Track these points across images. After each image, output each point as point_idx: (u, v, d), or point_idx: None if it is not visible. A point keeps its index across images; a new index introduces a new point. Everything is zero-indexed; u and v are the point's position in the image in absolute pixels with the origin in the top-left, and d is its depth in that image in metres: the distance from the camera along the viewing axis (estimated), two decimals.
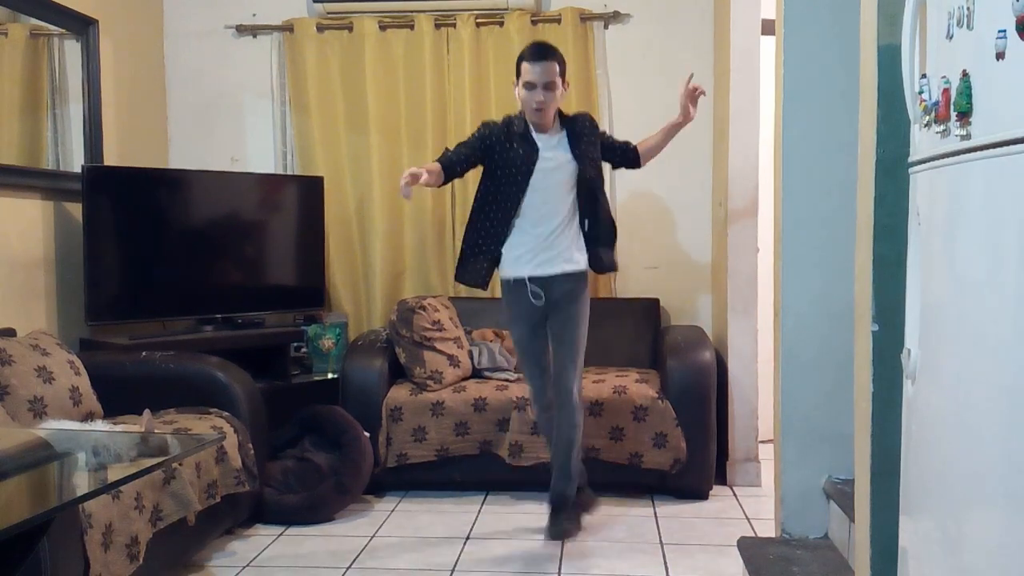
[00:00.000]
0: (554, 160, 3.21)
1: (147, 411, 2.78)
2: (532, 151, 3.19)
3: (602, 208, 3.33)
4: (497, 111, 4.33)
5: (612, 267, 3.41)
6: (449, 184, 4.37)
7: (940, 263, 1.52)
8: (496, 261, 3.29)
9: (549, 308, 3.27)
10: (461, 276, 3.36)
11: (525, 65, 3.14)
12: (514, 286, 3.27)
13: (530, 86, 3.13)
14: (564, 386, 3.28)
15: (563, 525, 3.30)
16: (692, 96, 3.29)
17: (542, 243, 3.22)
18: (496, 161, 3.23)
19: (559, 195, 3.22)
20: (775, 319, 2.89)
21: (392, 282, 4.49)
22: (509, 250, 3.26)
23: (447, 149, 3.33)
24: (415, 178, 2.98)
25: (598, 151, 3.32)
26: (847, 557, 2.54)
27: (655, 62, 4.43)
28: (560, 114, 3.28)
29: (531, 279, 3.23)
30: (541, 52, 3.15)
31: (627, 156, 3.43)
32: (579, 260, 3.28)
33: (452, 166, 3.22)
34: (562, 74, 3.18)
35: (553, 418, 3.32)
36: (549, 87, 3.13)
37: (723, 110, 4.11)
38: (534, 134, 3.22)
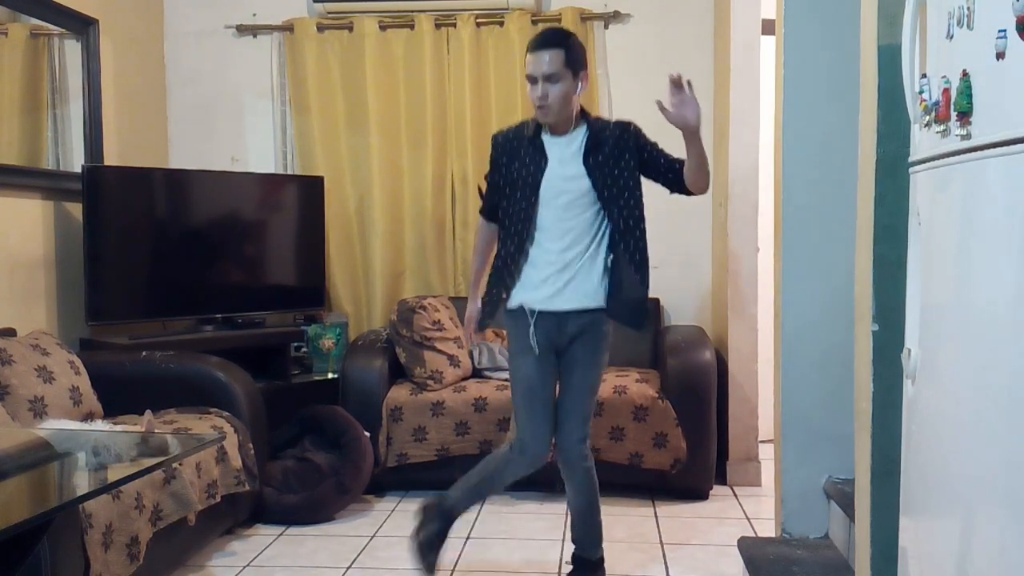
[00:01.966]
0: (565, 170, 2.67)
1: (148, 412, 2.78)
2: (539, 158, 2.68)
3: (626, 240, 2.67)
4: (497, 111, 4.34)
5: (636, 321, 2.73)
6: (449, 184, 4.43)
7: (940, 263, 1.52)
8: (502, 298, 2.78)
9: (561, 347, 2.73)
10: (487, 317, 2.85)
11: (527, 56, 2.63)
12: (519, 313, 2.73)
13: (531, 79, 2.62)
14: (568, 446, 2.75)
15: None
16: (676, 95, 2.56)
17: (560, 271, 2.67)
18: (506, 175, 2.75)
19: (577, 213, 2.66)
20: (775, 319, 2.89)
21: (392, 282, 4.49)
22: (523, 278, 2.73)
23: (480, 188, 2.97)
24: (471, 321, 2.86)
25: (632, 168, 2.69)
26: (847, 557, 2.54)
27: (655, 62, 4.42)
28: (586, 116, 2.73)
29: (541, 313, 2.69)
30: (541, 40, 2.62)
31: (676, 178, 2.70)
32: (599, 296, 2.69)
33: (492, 207, 2.83)
34: (571, 64, 2.60)
35: (520, 469, 2.77)
36: (551, 79, 2.58)
37: (723, 110, 4.11)
38: (545, 138, 2.70)
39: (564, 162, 2.68)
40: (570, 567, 2.92)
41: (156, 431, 2.73)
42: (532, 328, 2.69)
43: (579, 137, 2.70)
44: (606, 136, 2.70)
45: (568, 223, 2.67)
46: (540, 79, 2.60)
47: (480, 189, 2.98)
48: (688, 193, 2.73)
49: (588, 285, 2.69)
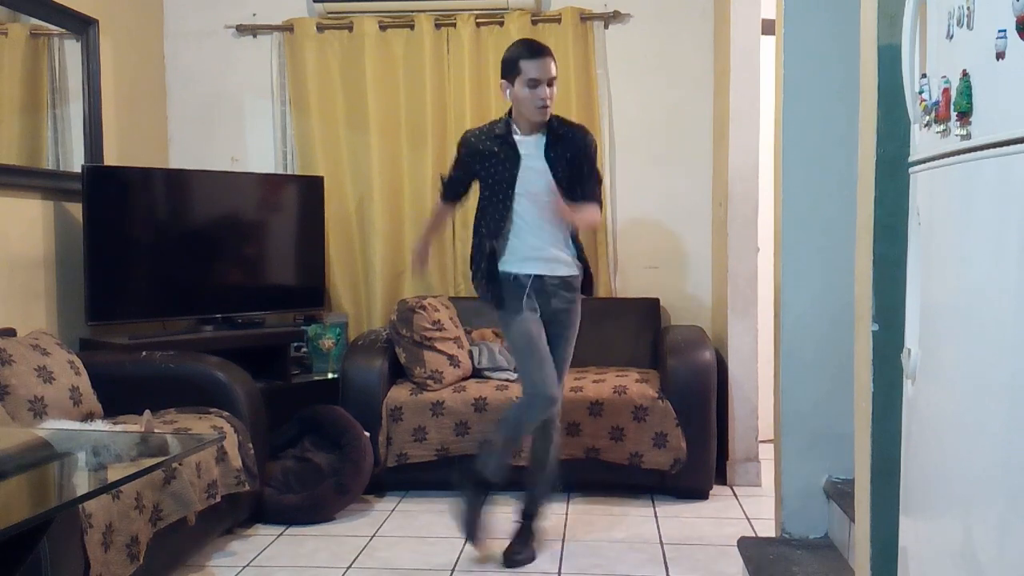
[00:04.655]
0: (534, 164, 3.08)
1: (147, 411, 2.78)
2: (514, 155, 3.09)
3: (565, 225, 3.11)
4: (496, 111, 4.33)
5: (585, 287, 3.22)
6: None
7: (940, 263, 1.52)
8: (494, 272, 3.14)
9: (545, 314, 3.13)
10: (473, 278, 3.26)
11: (525, 63, 3.00)
12: (513, 280, 3.11)
13: (534, 83, 2.99)
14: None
15: (526, 552, 3.14)
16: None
17: (537, 250, 3.10)
18: (482, 171, 3.15)
19: (544, 200, 3.05)
20: (775, 319, 2.89)
21: (392, 282, 4.49)
22: (507, 253, 3.12)
23: (442, 177, 3.37)
24: (422, 255, 3.36)
25: (577, 166, 3.10)
26: (847, 557, 2.54)
27: (655, 62, 4.44)
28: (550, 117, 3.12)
29: (534, 276, 3.10)
30: (540, 48, 3.05)
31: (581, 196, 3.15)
32: (573, 265, 3.16)
33: (454, 195, 3.31)
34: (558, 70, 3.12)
35: (537, 411, 3.09)
36: (552, 83, 3.03)
37: (723, 110, 4.11)
38: (516, 137, 3.10)
39: (532, 158, 3.09)
40: (519, 524, 3.22)
41: (156, 431, 2.73)
42: (526, 291, 3.10)
43: (543, 135, 3.11)
44: (564, 133, 3.12)
45: (539, 208, 3.06)
46: (544, 82, 3.01)
47: (441, 178, 3.38)
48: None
49: (560, 256, 3.12)
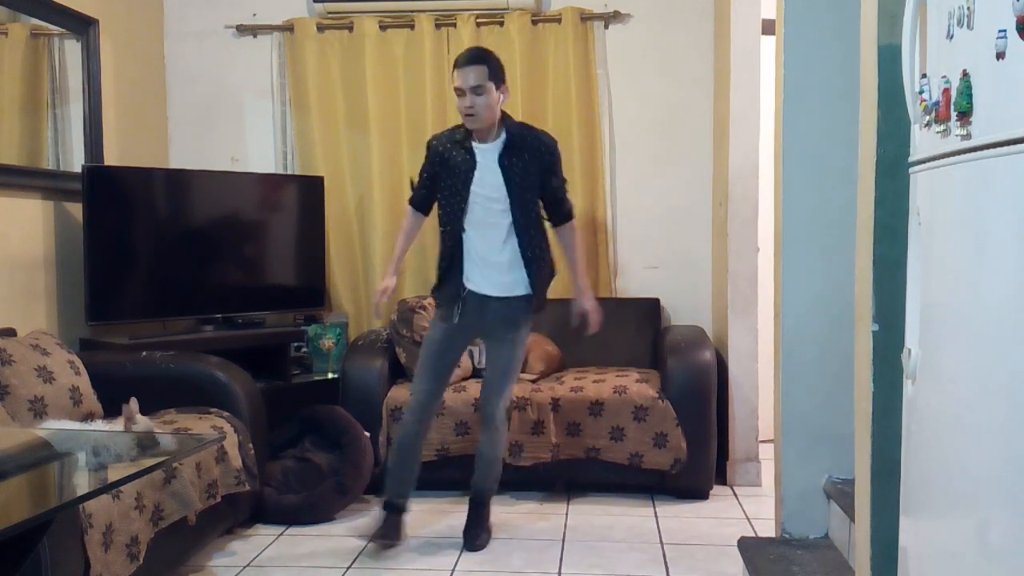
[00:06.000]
0: (489, 173, 3.09)
1: (133, 399, 2.74)
2: (470, 161, 3.10)
3: (521, 236, 3.11)
4: None
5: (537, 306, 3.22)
6: None
7: (940, 263, 1.52)
8: (443, 275, 3.23)
9: (484, 329, 3.23)
10: (437, 296, 3.28)
11: (454, 72, 3.07)
12: (454, 287, 3.19)
13: (459, 92, 3.05)
14: (489, 411, 3.24)
15: (479, 535, 3.26)
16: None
17: (484, 261, 3.14)
18: (441, 174, 3.18)
19: (497, 210, 3.10)
20: (775, 319, 2.89)
21: None
22: (461, 261, 3.19)
23: (412, 181, 3.37)
24: (386, 292, 3.25)
25: (537, 176, 3.12)
26: (847, 557, 2.54)
27: (655, 62, 4.44)
28: (507, 122, 3.14)
29: (468, 293, 3.16)
30: (467, 57, 3.08)
31: (554, 213, 3.23)
32: (521, 284, 3.15)
33: (424, 202, 3.31)
34: (494, 78, 3.05)
35: (423, 432, 3.28)
36: (477, 91, 3.02)
37: (723, 110, 4.11)
38: (474, 144, 3.11)
39: (487, 166, 3.10)
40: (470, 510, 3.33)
41: (136, 415, 2.70)
42: (461, 303, 3.16)
43: (499, 142, 3.11)
44: (526, 143, 3.12)
45: (491, 219, 3.11)
46: (467, 91, 3.03)
47: (412, 181, 3.38)
48: (550, 222, 3.26)
49: (507, 276, 3.14)
